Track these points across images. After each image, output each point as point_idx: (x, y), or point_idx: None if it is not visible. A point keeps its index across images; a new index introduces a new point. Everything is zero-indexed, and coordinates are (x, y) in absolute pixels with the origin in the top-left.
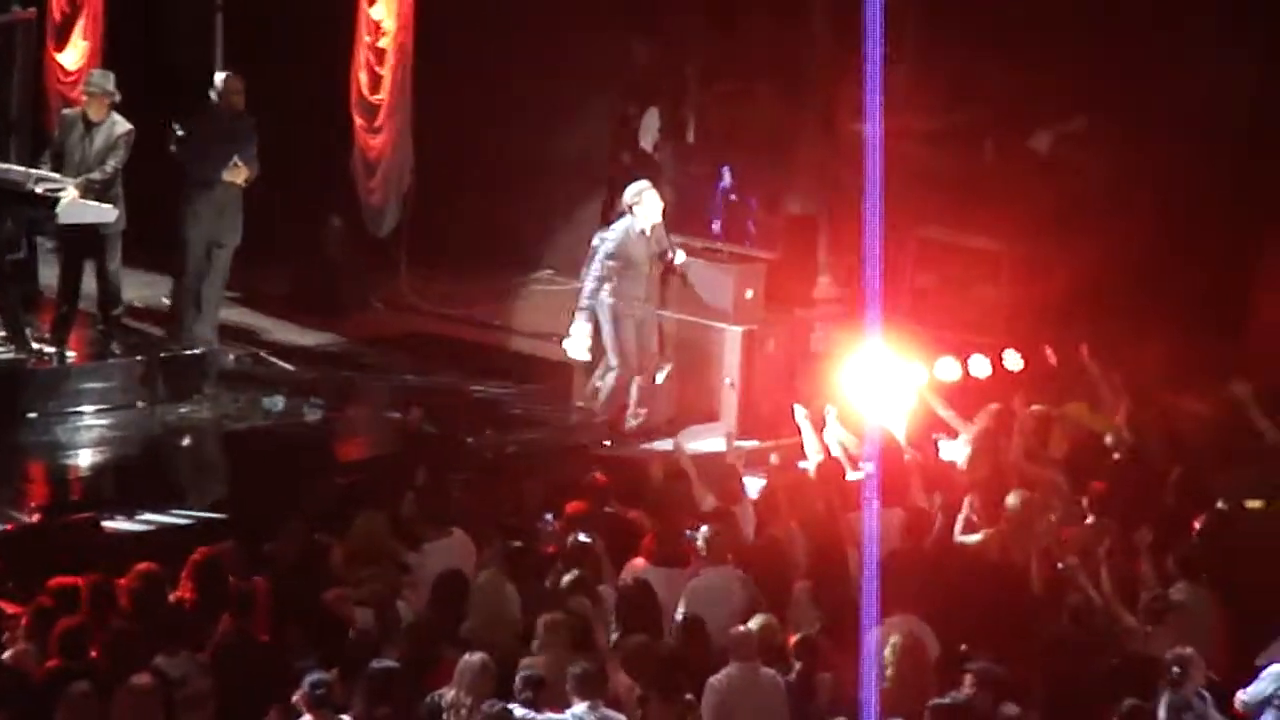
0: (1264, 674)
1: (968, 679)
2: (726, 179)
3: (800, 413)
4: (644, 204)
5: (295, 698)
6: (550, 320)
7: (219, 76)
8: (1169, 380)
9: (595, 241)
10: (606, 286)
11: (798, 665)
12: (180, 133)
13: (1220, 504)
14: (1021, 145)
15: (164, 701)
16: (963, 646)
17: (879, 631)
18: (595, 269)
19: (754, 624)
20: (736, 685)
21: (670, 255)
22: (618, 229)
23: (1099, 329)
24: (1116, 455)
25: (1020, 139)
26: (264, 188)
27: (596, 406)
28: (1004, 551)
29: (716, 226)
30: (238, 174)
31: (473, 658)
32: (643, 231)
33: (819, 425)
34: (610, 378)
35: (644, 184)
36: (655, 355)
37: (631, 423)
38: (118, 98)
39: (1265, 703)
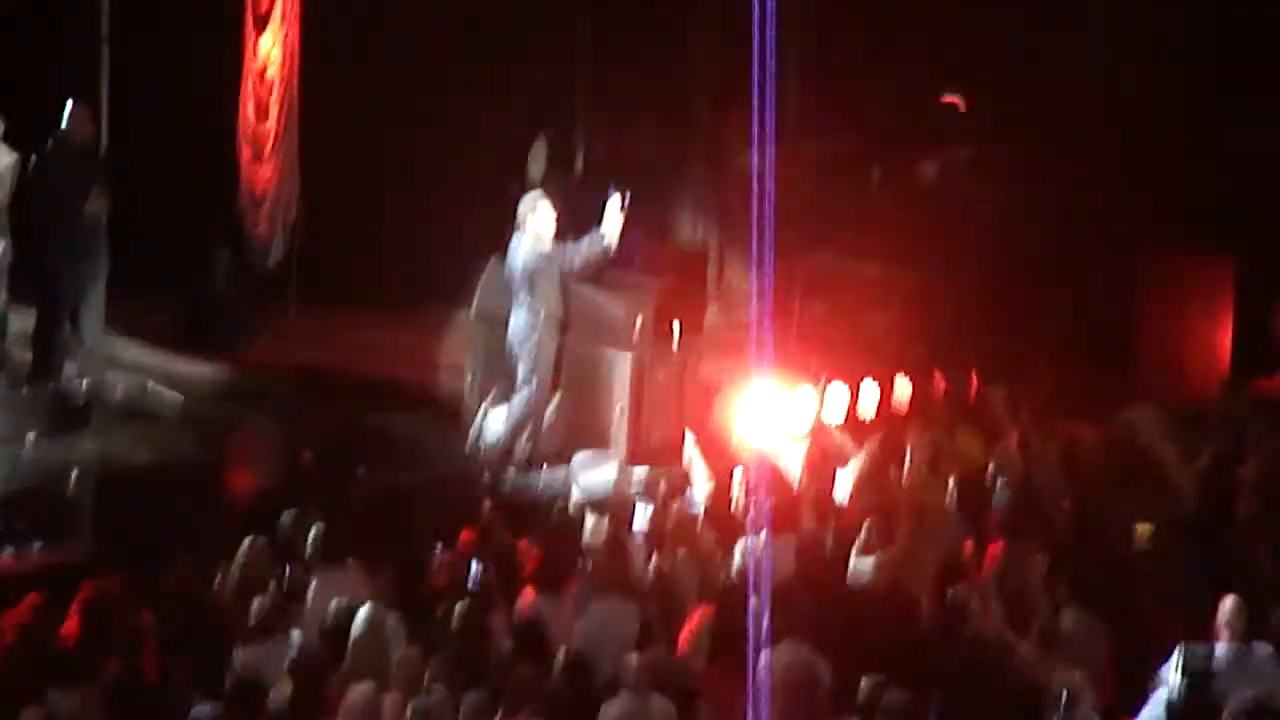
0: (1152, 699)
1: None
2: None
3: (690, 440)
4: (539, 213)
5: None
6: (440, 350)
7: (68, 107)
8: (1059, 407)
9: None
10: (530, 304)
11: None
12: (31, 171)
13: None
14: (909, 173)
15: None
16: (864, 678)
17: (768, 659)
18: (524, 285)
19: (645, 654)
20: (629, 715)
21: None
22: (522, 242)
23: (988, 356)
24: (1002, 482)
25: (907, 167)
26: (152, 220)
27: (491, 435)
28: (895, 580)
29: None
30: (99, 203)
31: (360, 688)
32: (545, 240)
33: (709, 452)
34: (519, 403)
35: (537, 193)
36: (553, 381)
37: (524, 450)
38: (0, 128)
39: None
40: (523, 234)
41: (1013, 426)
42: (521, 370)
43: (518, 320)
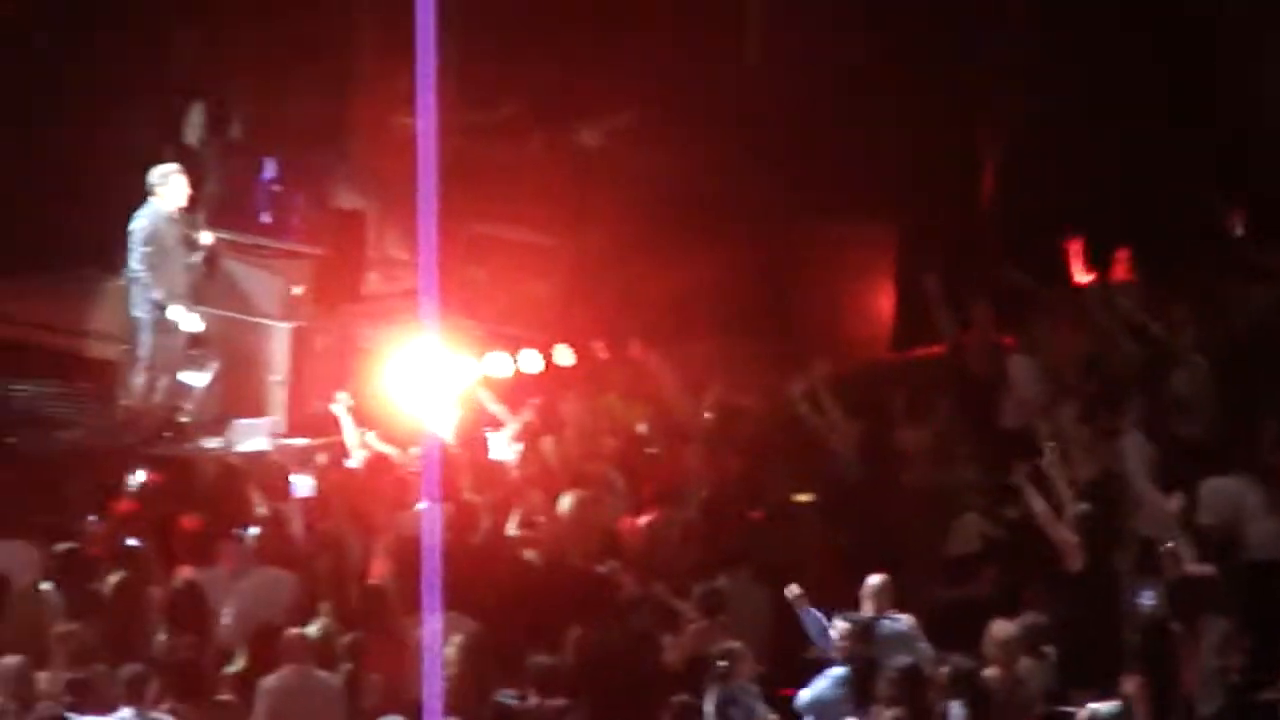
0: (826, 675)
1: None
2: (270, 171)
3: (340, 404)
4: (169, 186)
5: None
6: (94, 317)
7: None
8: (721, 374)
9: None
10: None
11: (348, 667)
12: None
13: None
14: (571, 139)
15: None
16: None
17: (432, 628)
18: (138, 259)
19: (312, 627)
20: (289, 688)
21: (196, 237)
22: (143, 214)
23: (650, 324)
24: (652, 449)
25: (569, 133)
26: None
27: (138, 404)
28: (558, 549)
29: (265, 219)
30: None
31: (10, 661)
32: (170, 215)
33: (360, 417)
34: (141, 374)
35: (171, 166)
36: (184, 352)
37: (181, 421)
38: None
39: (829, 709)
40: (151, 204)
41: (674, 395)
42: (143, 337)
43: (135, 287)
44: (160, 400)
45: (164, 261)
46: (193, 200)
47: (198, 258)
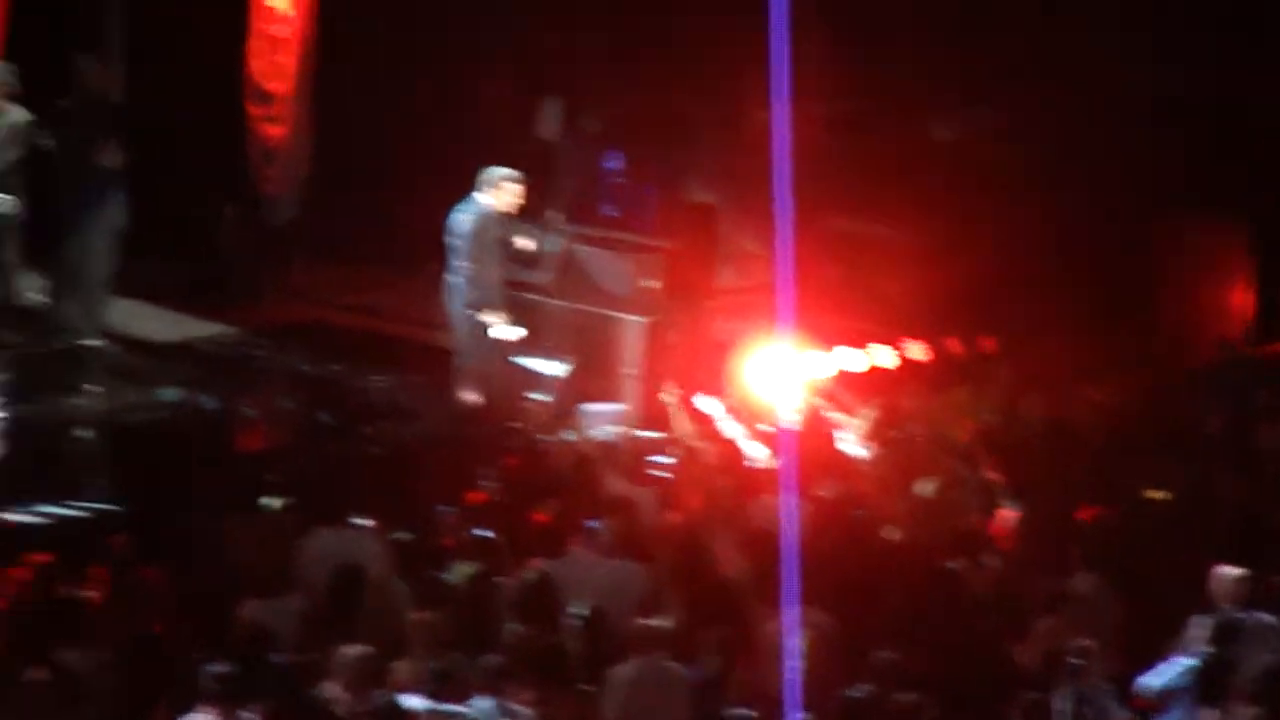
0: (1175, 663)
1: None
2: (615, 162)
3: (669, 395)
4: (502, 190)
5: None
6: (443, 309)
7: (83, 61)
8: (1076, 371)
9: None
10: (468, 270)
11: (716, 660)
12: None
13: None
14: (926, 134)
15: (61, 696)
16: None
17: (789, 622)
18: (464, 256)
19: (662, 618)
20: (640, 679)
21: (514, 241)
22: (467, 210)
23: (1003, 320)
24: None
25: (925, 127)
26: (156, 176)
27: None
28: (912, 545)
29: (610, 212)
30: (115, 157)
31: (350, 650)
32: (495, 215)
33: (689, 408)
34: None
35: (509, 172)
36: (532, 343)
37: (530, 411)
38: (19, 89)
39: (1173, 699)
40: (477, 200)
41: (1022, 391)
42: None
43: (457, 280)
44: (502, 391)
45: (483, 258)
46: (546, 194)
47: (519, 257)
